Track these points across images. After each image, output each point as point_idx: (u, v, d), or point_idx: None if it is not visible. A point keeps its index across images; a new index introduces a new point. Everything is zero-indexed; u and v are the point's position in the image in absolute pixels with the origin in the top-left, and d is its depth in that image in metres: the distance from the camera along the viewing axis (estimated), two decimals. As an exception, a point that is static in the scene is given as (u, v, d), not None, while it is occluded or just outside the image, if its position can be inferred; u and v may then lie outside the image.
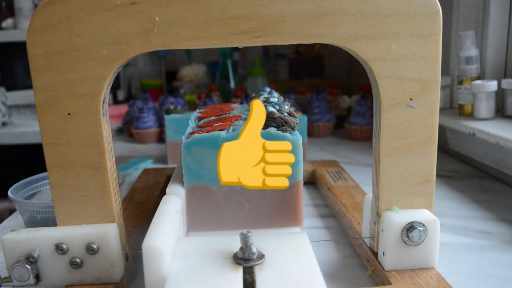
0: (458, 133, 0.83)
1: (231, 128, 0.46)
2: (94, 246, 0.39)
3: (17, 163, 1.55)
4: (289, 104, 0.53)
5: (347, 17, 0.37)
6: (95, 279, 0.40)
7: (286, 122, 0.45)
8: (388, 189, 0.41)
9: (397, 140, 0.40)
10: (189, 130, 0.48)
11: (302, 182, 0.46)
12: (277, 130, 0.44)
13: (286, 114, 0.47)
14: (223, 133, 0.45)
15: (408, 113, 0.40)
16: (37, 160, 1.54)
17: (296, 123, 0.46)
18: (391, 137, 0.40)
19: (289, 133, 0.45)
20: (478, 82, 0.72)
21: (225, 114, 0.54)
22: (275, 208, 0.46)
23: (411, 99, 0.39)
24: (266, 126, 0.45)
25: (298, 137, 0.44)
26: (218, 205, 0.46)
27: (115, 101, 1.79)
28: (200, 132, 0.46)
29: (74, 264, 0.39)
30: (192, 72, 1.57)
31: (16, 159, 1.54)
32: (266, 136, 0.44)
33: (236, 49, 1.65)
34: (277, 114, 0.46)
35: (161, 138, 1.08)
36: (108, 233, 0.39)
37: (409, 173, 0.41)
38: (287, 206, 0.46)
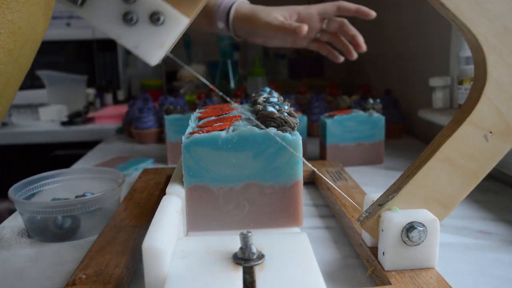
0: (458, 133, 0.83)
1: (231, 128, 0.46)
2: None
3: (17, 163, 1.55)
4: (289, 104, 0.53)
5: None
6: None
7: (286, 122, 0.45)
8: (411, 190, 0.41)
9: (459, 155, 0.41)
10: (189, 130, 0.48)
11: (302, 182, 0.46)
12: (277, 130, 0.44)
13: (286, 114, 0.47)
14: (223, 133, 0.45)
15: (483, 144, 0.40)
16: (37, 160, 1.54)
17: (296, 123, 0.46)
18: (457, 150, 0.40)
19: (289, 133, 0.45)
20: (478, 82, 0.72)
21: (225, 114, 0.53)
22: (275, 208, 0.46)
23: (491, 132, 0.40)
24: (266, 126, 0.45)
25: (298, 137, 0.44)
26: (218, 205, 0.46)
27: (115, 101, 1.78)
28: (200, 132, 0.45)
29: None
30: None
31: (16, 159, 1.54)
32: (266, 136, 0.44)
33: (236, 49, 1.65)
34: (277, 114, 0.46)
35: (161, 138, 1.08)
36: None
37: (437, 187, 0.41)
38: (287, 206, 0.46)
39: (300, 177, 0.45)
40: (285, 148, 0.44)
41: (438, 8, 0.39)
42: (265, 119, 0.45)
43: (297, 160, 0.44)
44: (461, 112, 0.42)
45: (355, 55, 0.83)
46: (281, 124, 0.45)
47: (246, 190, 0.45)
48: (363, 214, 0.44)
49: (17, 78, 0.61)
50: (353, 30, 0.82)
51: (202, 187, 0.45)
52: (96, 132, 1.44)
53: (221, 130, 0.45)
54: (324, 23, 0.83)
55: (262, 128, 0.45)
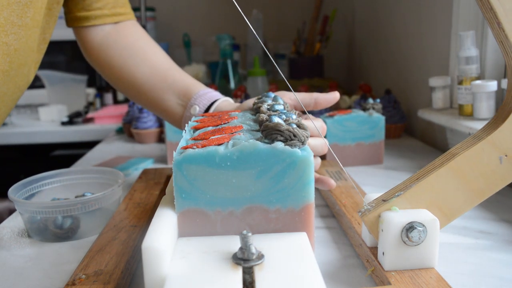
0: (458, 133, 0.83)
1: (231, 142, 0.39)
2: None
3: (17, 163, 1.55)
4: (297, 112, 0.47)
5: None
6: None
7: (295, 136, 0.39)
8: (417, 192, 0.42)
9: (471, 169, 0.41)
10: (182, 143, 0.42)
11: (313, 206, 0.40)
12: (285, 145, 0.38)
13: (294, 126, 0.40)
14: (221, 148, 0.38)
15: (496, 165, 0.41)
16: (37, 160, 1.54)
17: (307, 137, 0.40)
18: (470, 164, 0.41)
19: (298, 148, 0.39)
20: (478, 82, 0.72)
21: (224, 124, 0.47)
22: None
23: (506, 155, 0.41)
24: (272, 140, 0.39)
25: (308, 153, 0.38)
26: (216, 232, 0.40)
27: (115, 101, 1.78)
28: (195, 146, 0.39)
29: None
30: (192, 72, 1.57)
31: (16, 159, 1.54)
32: (271, 152, 0.38)
33: (236, 49, 1.65)
34: (285, 126, 0.39)
35: (161, 138, 1.08)
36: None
37: (443, 195, 0.41)
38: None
39: (312, 199, 0.39)
40: (294, 165, 0.38)
41: (493, 28, 0.40)
42: (271, 132, 0.39)
43: (308, 179, 0.38)
44: (483, 130, 0.43)
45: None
46: (289, 138, 0.39)
47: (249, 215, 0.40)
48: (365, 206, 0.43)
49: (14, 97, 0.62)
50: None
51: (197, 211, 0.39)
52: (96, 132, 1.44)
53: (219, 144, 0.39)
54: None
55: (267, 142, 0.39)
